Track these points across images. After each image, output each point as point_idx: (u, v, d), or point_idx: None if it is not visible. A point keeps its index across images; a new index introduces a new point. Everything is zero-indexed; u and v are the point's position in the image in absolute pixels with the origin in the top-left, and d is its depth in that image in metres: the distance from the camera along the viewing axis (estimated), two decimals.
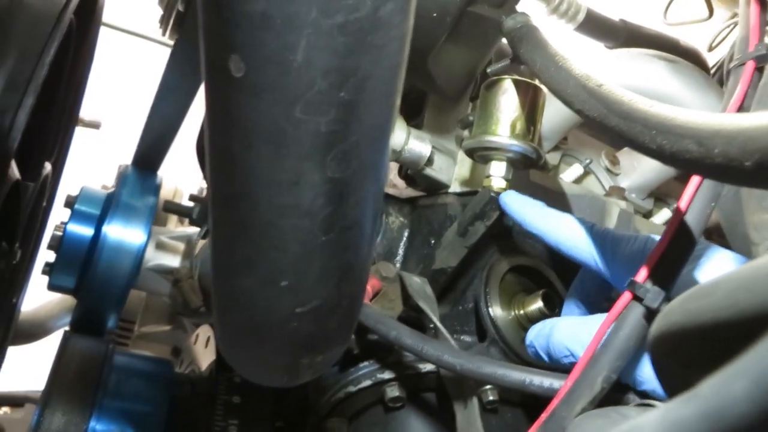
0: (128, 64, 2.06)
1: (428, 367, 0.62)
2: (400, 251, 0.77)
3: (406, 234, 0.77)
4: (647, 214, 0.87)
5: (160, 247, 0.86)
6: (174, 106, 0.84)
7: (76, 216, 0.82)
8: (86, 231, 0.82)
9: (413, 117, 0.76)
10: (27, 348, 1.11)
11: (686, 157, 0.32)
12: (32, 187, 0.74)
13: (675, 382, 0.32)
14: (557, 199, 0.75)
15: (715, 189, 0.45)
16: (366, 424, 0.63)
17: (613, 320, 0.45)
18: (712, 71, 0.96)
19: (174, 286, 0.80)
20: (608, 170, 0.85)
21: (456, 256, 0.67)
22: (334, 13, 0.26)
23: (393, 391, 0.61)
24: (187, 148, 0.94)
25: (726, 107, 0.47)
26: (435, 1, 0.60)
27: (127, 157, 0.94)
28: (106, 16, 0.88)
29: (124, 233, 0.80)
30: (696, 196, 0.45)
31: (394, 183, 0.81)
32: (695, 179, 0.45)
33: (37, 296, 1.06)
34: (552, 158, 0.83)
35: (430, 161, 0.71)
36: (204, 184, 1.14)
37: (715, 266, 0.48)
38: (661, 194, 0.88)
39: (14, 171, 0.63)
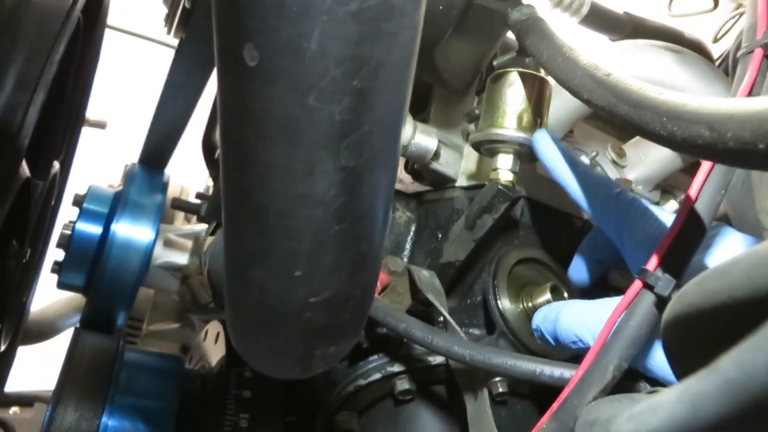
0: (133, 65, 2.07)
1: (438, 359, 0.62)
2: (408, 246, 0.77)
3: (413, 229, 0.77)
4: None
5: (169, 244, 0.87)
6: (180, 105, 0.85)
7: (85, 214, 0.83)
8: (95, 229, 0.82)
9: (420, 111, 0.76)
10: (36, 348, 1.11)
11: (698, 142, 0.32)
12: (41, 186, 0.74)
13: (688, 366, 0.32)
14: (564, 192, 0.75)
15: (725, 177, 0.45)
16: (376, 418, 0.64)
17: (624, 308, 0.45)
18: (717, 63, 0.95)
19: (183, 283, 0.80)
20: (615, 162, 0.85)
21: (464, 250, 0.67)
22: (349, 0, 0.26)
23: (403, 384, 0.61)
24: (193, 145, 0.94)
25: (734, 95, 0.47)
26: None
27: (133, 157, 0.94)
28: (111, 18, 0.89)
29: (132, 231, 0.81)
30: (706, 184, 0.45)
31: (401, 178, 0.81)
32: (705, 167, 0.45)
33: (47, 295, 1.06)
34: None
35: (436, 155, 0.72)
36: (210, 182, 1.14)
37: (727, 250, 0.48)
38: (668, 186, 0.88)
39: (24, 169, 0.63)
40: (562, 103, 0.73)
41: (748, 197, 0.54)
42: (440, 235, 0.73)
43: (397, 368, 0.63)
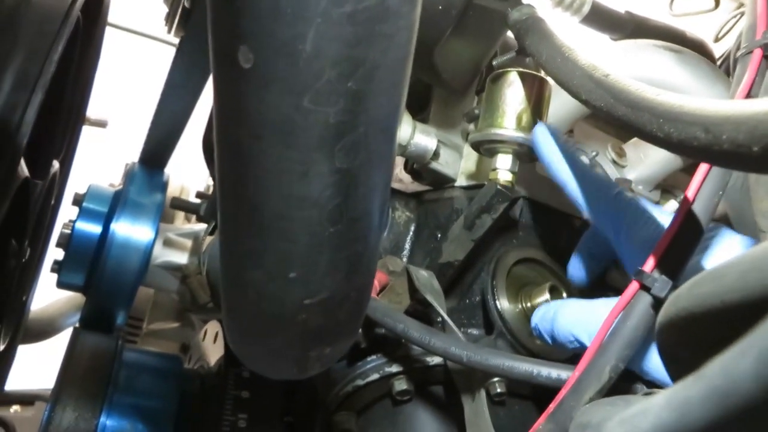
0: (134, 63, 2.07)
1: (436, 360, 0.62)
2: (407, 245, 0.77)
3: (412, 228, 0.77)
4: None
5: (168, 244, 0.87)
6: (180, 104, 0.85)
7: (85, 214, 0.83)
8: (94, 229, 0.82)
9: (419, 111, 0.76)
10: (36, 346, 1.12)
11: (694, 144, 0.32)
12: (41, 185, 0.74)
13: (682, 369, 0.32)
14: (563, 191, 0.75)
15: (722, 178, 0.45)
16: (374, 418, 0.64)
17: (620, 310, 0.45)
18: (719, 62, 0.95)
19: (182, 283, 0.80)
20: (615, 162, 0.85)
21: (463, 250, 0.67)
22: (344, 2, 0.26)
23: (401, 385, 0.61)
24: (193, 145, 0.94)
25: (733, 95, 0.47)
26: None
27: (133, 156, 0.94)
28: (112, 16, 0.89)
29: (132, 230, 0.81)
30: (703, 186, 0.44)
31: (400, 178, 0.81)
32: (703, 168, 0.44)
33: (47, 294, 1.06)
34: None
35: (436, 155, 0.72)
36: (210, 181, 1.14)
37: (724, 252, 0.48)
38: (668, 186, 0.88)
39: (23, 169, 0.63)
40: (561, 103, 0.73)
41: (747, 198, 0.53)
42: (439, 235, 0.73)
43: (395, 369, 0.63)
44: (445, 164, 0.73)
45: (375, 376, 0.63)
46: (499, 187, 0.63)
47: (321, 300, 0.37)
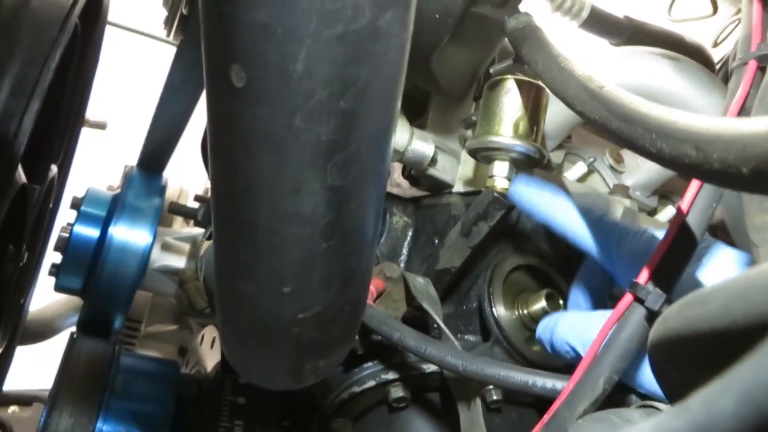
0: (134, 62, 2.06)
1: (432, 367, 0.62)
2: (404, 251, 0.77)
3: (410, 234, 0.78)
4: (652, 212, 0.87)
5: (166, 248, 0.87)
6: (179, 107, 0.84)
7: (83, 217, 0.83)
8: (92, 232, 0.82)
9: (417, 117, 0.76)
10: (35, 347, 1.12)
11: (685, 161, 0.32)
12: (38, 190, 0.74)
13: (673, 386, 0.33)
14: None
15: (717, 190, 0.45)
16: (370, 425, 0.64)
17: (614, 322, 0.45)
18: (718, 67, 0.95)
19: (180, 287, 0.80)
20: (612, 168, 0.85)
21: (460, 257, 0.67)
22: (334, 23, 0.26)
23: (397, 392, 0.62)
24: (191, 148, 0.94)
25: (728, 107, 0.47)
26: (437, 2, 0.59)
27: (132, 158, 0.94)
28: (111, 14, 0.88)
29: (130, 234, 0.81)
30: (697, 198, 0.45)
31: (398, 182, 0.81)
32: (697, 181, 0.45)
33: (44, 297, 1.06)
34: (556, 157, 0.82)
35: (433, 161, 0.72)
36: (209, 184, 1.14)
37: (718, 266, 0.48)
38: (665, 192, 0.88)
39: (20, 175, 0.63)
40: (559, 110, 0.73)
41: (743, 206, 0.53)
42: (437, 241, 0.73)
43: (391, 376, 0.63)
44: (442, 170, 0.73)
45: (371, 383, 0.63)
46: (495, 194, 0.63)
47: (315, 314, 0.37)
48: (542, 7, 0.93)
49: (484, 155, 0.66)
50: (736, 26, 0.99)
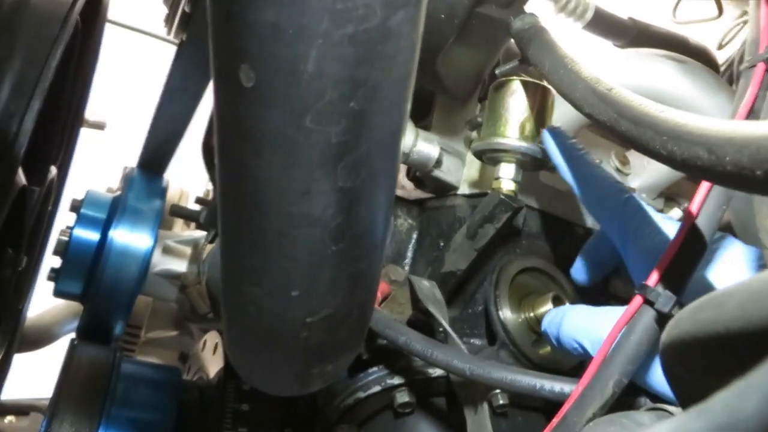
0: (134, 61, 2.05)
1: (438, 371, 0.61)
2: (409, 254, 0.77)
3: (414, 236, 0.77)
4: None
5: (167, 251, 0.86)
6: (180, 108, 0.84)
7: (82, 220, 0.82)
8: (92, 236, 0.81)
9: (422, 118, 0.76)
10: (32, 356, 1.10)
11: (697, 164, 0.32)
12: (38, 192, 0.74)
13: (685, 389, 0.32)
14: (567, 200, 0.75)
15: (726, 193, 0.44)
16: (376, 430, 0.63)
17: (624, 324, 0.44)
18: (722, 69, 0.95)
19: (181, 292, 0.80)
20: (618, 170, 0.84)
21: (465, 259, 0.66)
22: (345, 23, 0.26)
23: (402, 397, 0.61)
24: (192, 149, 0.94)
25: (736, 110, 0.47)
26: (443, 3, 0.59)
27: (132, 159, 0.93)
28: (111, 12, 0.88)
29: (130, 238, 0.80)
30: (707, 200, 0.44)
31: (403, 185, 0.80)
32: (706, 183, 0.44)
33: (43, 302, 1.05)
34: None
35: (438, 163, 0.71)
36: (210, 186, 1.13)
37: (728, 263, 0.48)
38: (671, 194, 0.87)
39: (20, 177, 0.62)
40: (565, 112, 0.72)
41: (751, 208, 0.53)
42: (442, 244, 0.73)
43: (396, 381, 0.62)
44: (447, 172, 0.73)
45: (377, 389, 0.62)
46: (502, 196, 0.63)
47: (323, 317, 0.37)
48: (546, 8, 0.92)
49: (489, 157, 0.66)
50: (741, 28, 0.99)
